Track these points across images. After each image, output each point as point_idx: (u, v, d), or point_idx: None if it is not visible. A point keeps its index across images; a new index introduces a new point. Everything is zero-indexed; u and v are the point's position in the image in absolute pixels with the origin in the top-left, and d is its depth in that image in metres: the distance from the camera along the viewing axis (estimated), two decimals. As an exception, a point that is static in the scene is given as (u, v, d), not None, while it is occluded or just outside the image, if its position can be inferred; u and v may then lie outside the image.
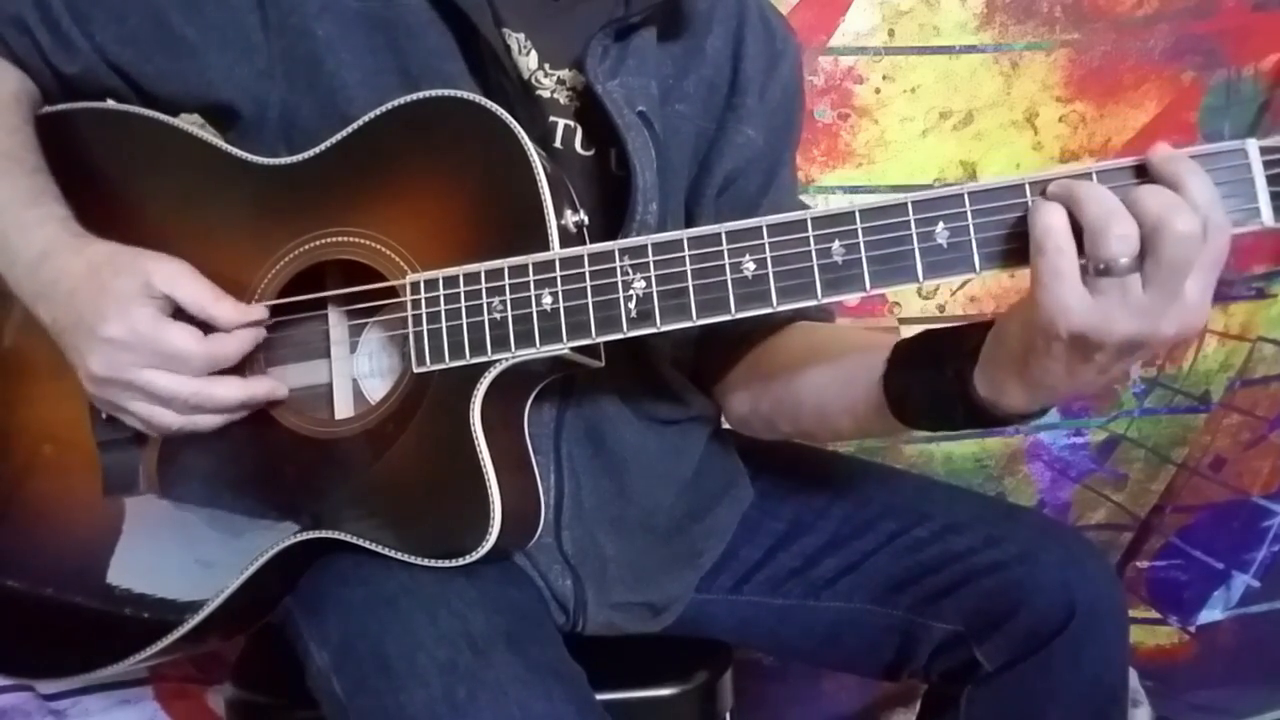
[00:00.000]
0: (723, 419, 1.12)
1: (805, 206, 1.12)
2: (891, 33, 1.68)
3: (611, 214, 0.95)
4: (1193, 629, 1.84)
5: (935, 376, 0.81)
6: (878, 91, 1.70)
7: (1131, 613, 1.29)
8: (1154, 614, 1.85)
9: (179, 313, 0.85)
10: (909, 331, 0.88)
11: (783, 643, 1.11)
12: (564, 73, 0.98)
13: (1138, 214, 0.66)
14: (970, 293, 1.73)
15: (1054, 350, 0.70)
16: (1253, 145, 0.68)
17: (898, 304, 1.71)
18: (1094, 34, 1.71)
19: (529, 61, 0.97)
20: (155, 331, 0.83)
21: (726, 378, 1.06)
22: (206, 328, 0.86)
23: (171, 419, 0.86)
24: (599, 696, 0.82)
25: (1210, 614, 1.84)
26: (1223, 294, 1.78)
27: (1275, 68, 1.73)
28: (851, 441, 1.75)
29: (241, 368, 0.89)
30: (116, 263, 0.85)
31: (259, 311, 0.89)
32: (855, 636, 1.06)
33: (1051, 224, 0.68)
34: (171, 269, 0.85)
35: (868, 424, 0.92)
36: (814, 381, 0.96)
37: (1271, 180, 0.67)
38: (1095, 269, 0.66)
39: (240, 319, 0.87)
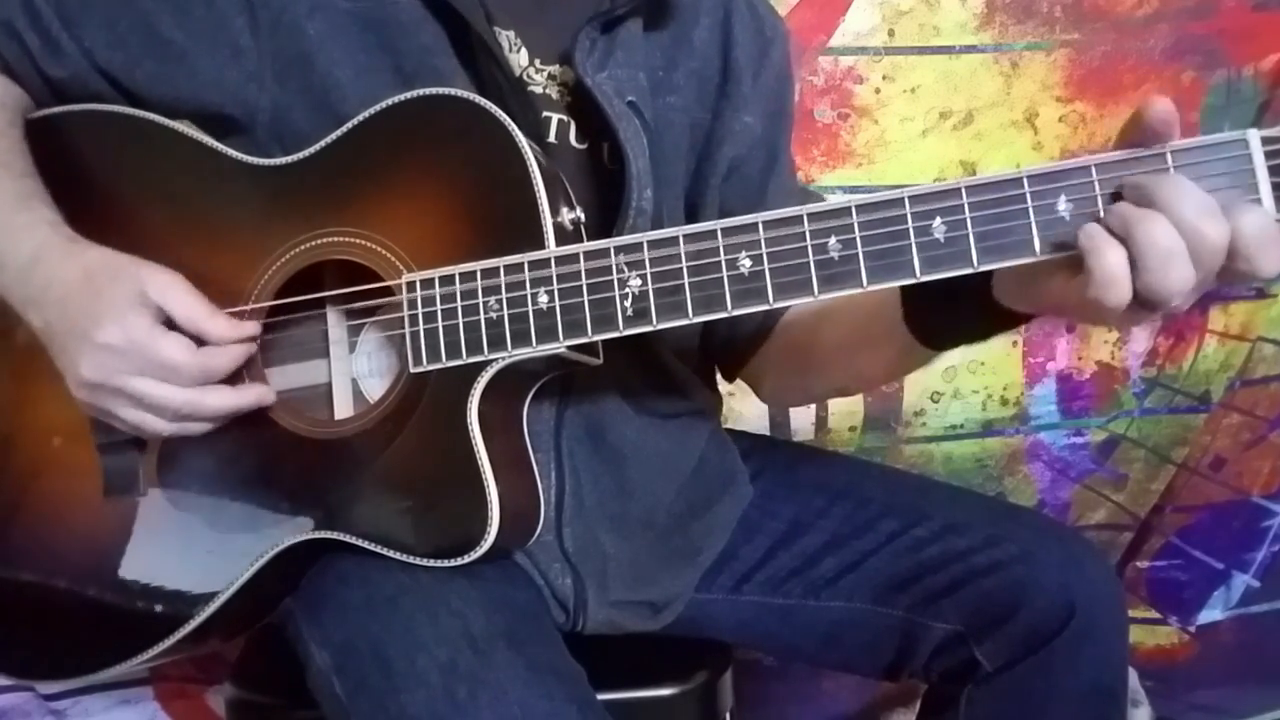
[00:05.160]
0: (724, 416, 1.12)
1: (807, 192, 1.13)
2: (891, 33, 1.68)
3: (607, 207, 0.95)
4: (1193, 629, 1.84)
5: (956, 300, 0.81)
6: (878, 91, 1.70)
7: (1131, 613, 1.30)
8: (1154, 614, 1.85)
9: (171, 324, 0.85)
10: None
11: (783, 643, 1.11)
12: (553, 68, 0.98)
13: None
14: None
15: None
16: (1254, 135, 0.67)
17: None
18: (1094, 34, 1.71)
19: (520, 58, 0.97)
20: (150, 340, 0.83)
21: (751, 363, 1.07)
22: (200, 340, 0.86)
23: (161, 426, 0.86)
24: (599, 696, 0.82)
25: (1210, 614, 1.84)
26: (1223, 294, 1.78)
27: (1275, 68, 1.73)
28: (851, 438, 1.75)
29: (237, 371, 0.89)
30: (111, 269, 0.85)
31: (252, 328, 0.89)
32: (855, 636, 1.06)
33: (1116, 269, 0.66)
34: (166, 280, 0.85)
35: (900, 363, 0.94)
36: (835, 339, 0.97)
37: (1273, 170, 0.67)
38: (1143, 302, 0.66)
39: (233, 335, 0.87)
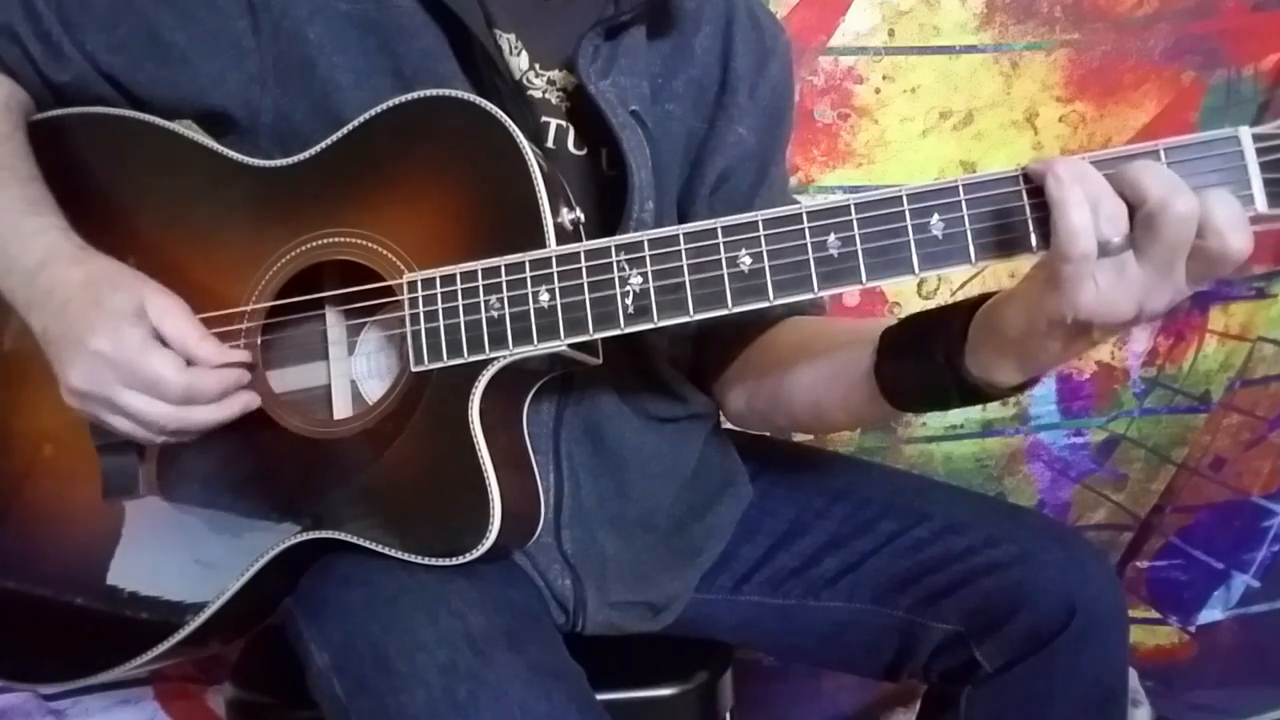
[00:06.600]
0: (722, 417, 1.12)
1: (795, 203, 1.13)
2: (891, 33, 1.68)
3: (606, 214, 0.95)
4: (1193, 629, 1.84)
5: (926, 364, 0.82)
6: (878, 91, 1.70)
7: (1131, 613, 1.30)
8: (1154, 614, 1.85)
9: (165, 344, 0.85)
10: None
11: (783, 643, 1.11)
12: (554, 73, 0.98)
13: (1139, 193, 0.67)
14: (970, 292, 1.72)
15: (1055, 333, 0.73)
16: (1245, 133, 0.68)
17: (897, 304, 1.71)
18: (1094, 34, 1.71)
19: (520, 62, 0.97)
20: (140, 353, 0.83)
21: (723, 375, 1.06)
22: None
23: (149, 437, 0.87)
24: (599, 696, 0.82)
25: (1210, 614, 1.84)
26: (1223, 294, 1.78)
27: (1275, 68, 1.73)
28: (851, 438, 1.75)
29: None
30: (114, 280, 0.85)
31: (241, 355, 0.88)
32: (855, 636, 1.06)
33: (1080, 227, 0.67)
34: (166, 302, 0.85)
35: (863, 415, 0.93)
36: (807, 379, 0.97)
37: (1265, 167, 0.68)
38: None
39: (221, 358, 0.87)
